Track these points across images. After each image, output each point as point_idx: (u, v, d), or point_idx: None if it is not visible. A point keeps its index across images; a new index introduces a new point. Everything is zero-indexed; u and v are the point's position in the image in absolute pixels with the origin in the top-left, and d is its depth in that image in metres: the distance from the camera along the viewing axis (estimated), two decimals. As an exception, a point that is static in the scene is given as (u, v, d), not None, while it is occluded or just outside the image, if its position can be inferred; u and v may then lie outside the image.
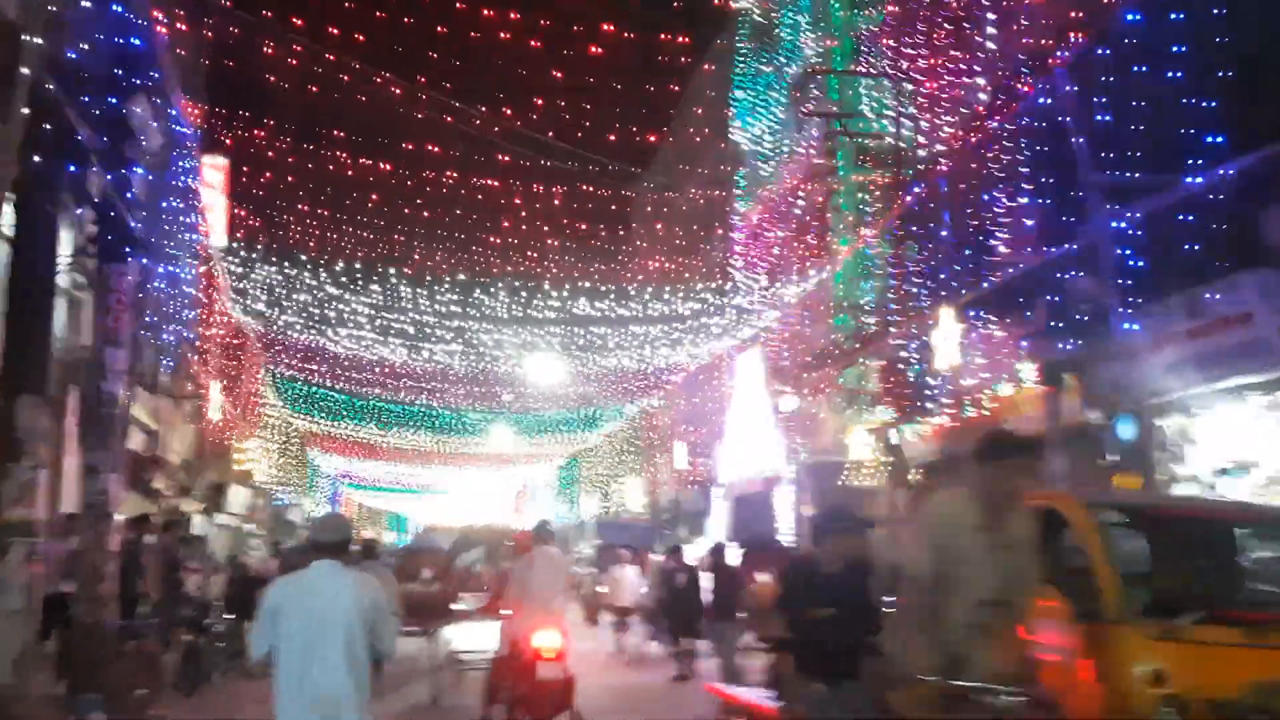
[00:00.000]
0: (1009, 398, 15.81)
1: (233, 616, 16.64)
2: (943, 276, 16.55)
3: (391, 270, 20.05)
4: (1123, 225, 12.47)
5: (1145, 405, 13.60)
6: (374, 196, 18.92)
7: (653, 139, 24.59)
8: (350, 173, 18.10)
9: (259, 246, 19.30)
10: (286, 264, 18.95)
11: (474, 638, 16.82)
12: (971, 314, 15.56)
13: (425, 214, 20.68)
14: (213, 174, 23.54)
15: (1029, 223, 14.32)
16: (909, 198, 18.47)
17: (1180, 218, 11.74)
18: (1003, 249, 14.99)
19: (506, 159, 19.84)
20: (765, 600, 19.00)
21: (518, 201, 20.54)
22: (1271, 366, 11.55)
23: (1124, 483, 13.22)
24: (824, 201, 27.93)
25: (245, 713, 12.11)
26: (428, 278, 20.48)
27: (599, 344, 25.53)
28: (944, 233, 16.72)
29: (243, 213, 22.68)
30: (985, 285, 14.91)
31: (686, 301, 23.62)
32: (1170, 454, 13.74)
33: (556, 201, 20.74)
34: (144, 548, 16.14)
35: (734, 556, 22.39)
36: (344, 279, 19.79)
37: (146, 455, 19.92)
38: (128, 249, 12.01)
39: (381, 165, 18.11)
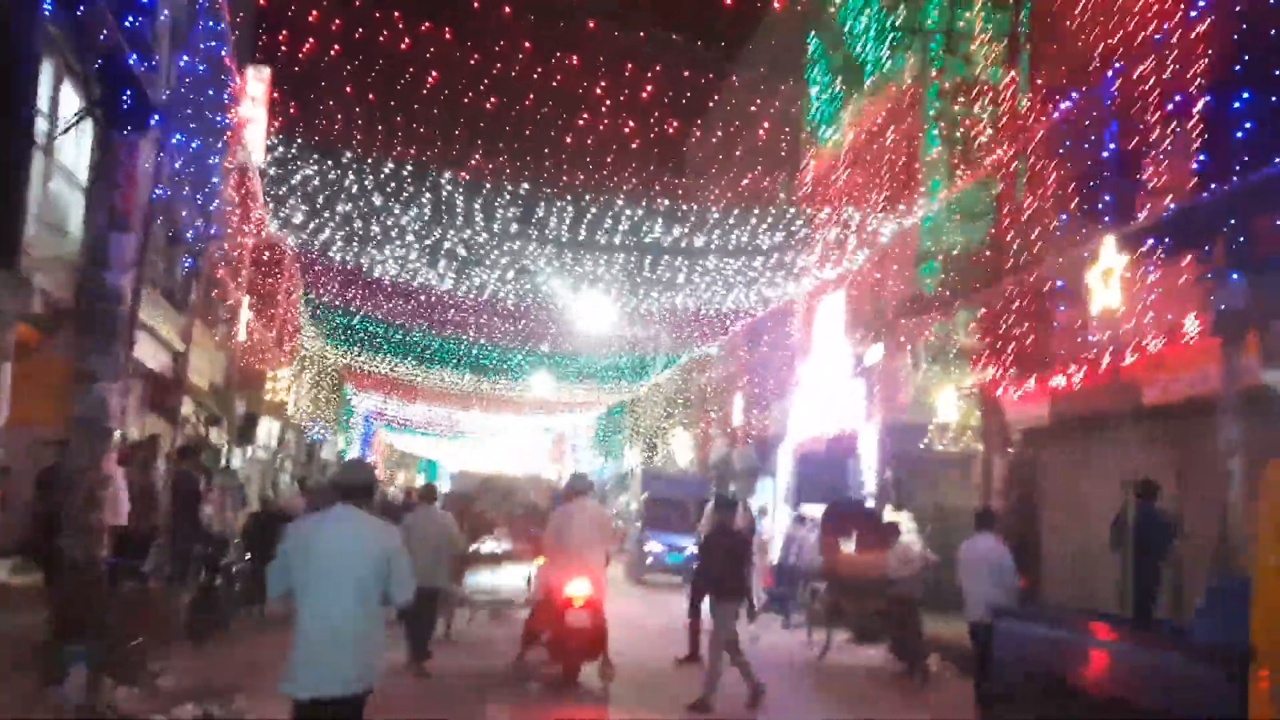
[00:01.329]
0: (1161, 353, 13.41)
1: (250, 556, 14.95)
2: (1103, 203, 13.99)
3: (446, 176, 17.66)
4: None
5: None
6: (432, 76, 16.46)
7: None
8: (405, 44, 15.70)
9: (297, 140, 16.97)
10: (328, 164, 16.66)
11: (493, 579, 18.16)
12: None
13: (489, 101, 18.13)
14: (256, 85, 21.44)
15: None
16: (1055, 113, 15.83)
17: None
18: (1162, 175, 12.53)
19: (590, 27, 17.21)
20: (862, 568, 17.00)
21: (597, 90, 17.89)
22: None
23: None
24: (915, 135, 25.53)
25: (260, 667, 10.38)
26: (486, 186, 18.04)
27: (664, 278, 23.20)
28: (1103, 150, 14.12)
29: (278, 96, 20.40)
30: (1162, 211, 12.36)
31: (762, 234, 21.08)
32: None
33: (644, 90, 18.12)
34: (156, 475, 14.40)
35: (810, 519, 20.54)
36: (390, 185, 17.46)
37: (170, 378, 18.16)
38: (147, 114, 9.88)
39: (442, 34, 15.62)
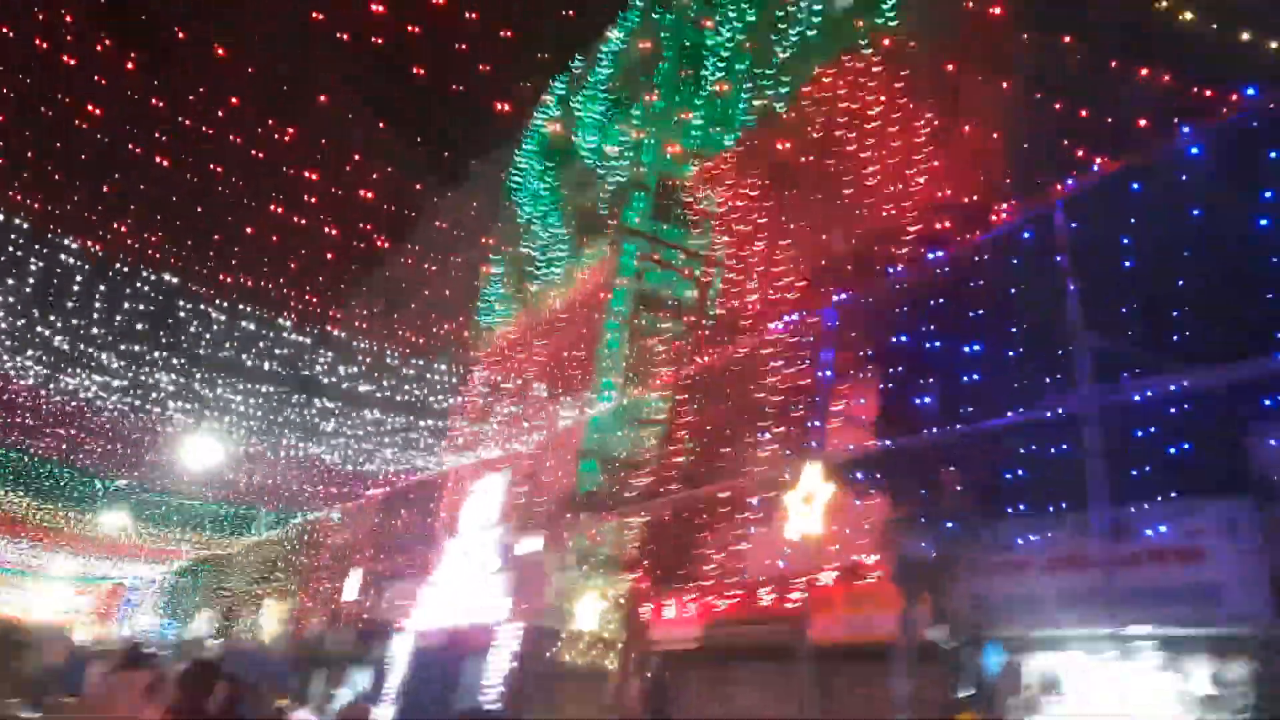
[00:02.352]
0: (840, 587, 13.07)
1: None
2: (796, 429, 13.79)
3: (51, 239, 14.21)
4: (1057, 412, 10.42)
5: (1013, 635, 11.32)
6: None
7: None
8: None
9: None
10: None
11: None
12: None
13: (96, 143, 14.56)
14: None
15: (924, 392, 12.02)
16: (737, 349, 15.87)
17: (1143, 422, 9.86)
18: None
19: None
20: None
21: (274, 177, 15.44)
22: (1207, 618, 9.61)
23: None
24: (596, 331, 25.43)
25: None
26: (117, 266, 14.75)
27: (308, 420, 20.40)
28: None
29: None
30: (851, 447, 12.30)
31: (431, 394, 19.27)
32: (1025, 700, 11.47)
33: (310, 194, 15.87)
34: None
35: None
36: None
37: None
38: None
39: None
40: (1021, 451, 9.57)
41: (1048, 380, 9.41)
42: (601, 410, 23.00)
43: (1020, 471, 9.60)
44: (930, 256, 11.01)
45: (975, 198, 10.33)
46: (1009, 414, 9.65)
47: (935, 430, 10.58)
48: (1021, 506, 9.75)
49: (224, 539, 37.66)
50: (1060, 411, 9.30)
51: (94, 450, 25.67)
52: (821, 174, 15.70)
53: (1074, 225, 9.24)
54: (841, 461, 11.88)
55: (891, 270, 11.69)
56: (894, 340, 11.72)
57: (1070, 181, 9.32)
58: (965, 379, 10.28)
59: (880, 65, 14.24)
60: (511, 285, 28.84)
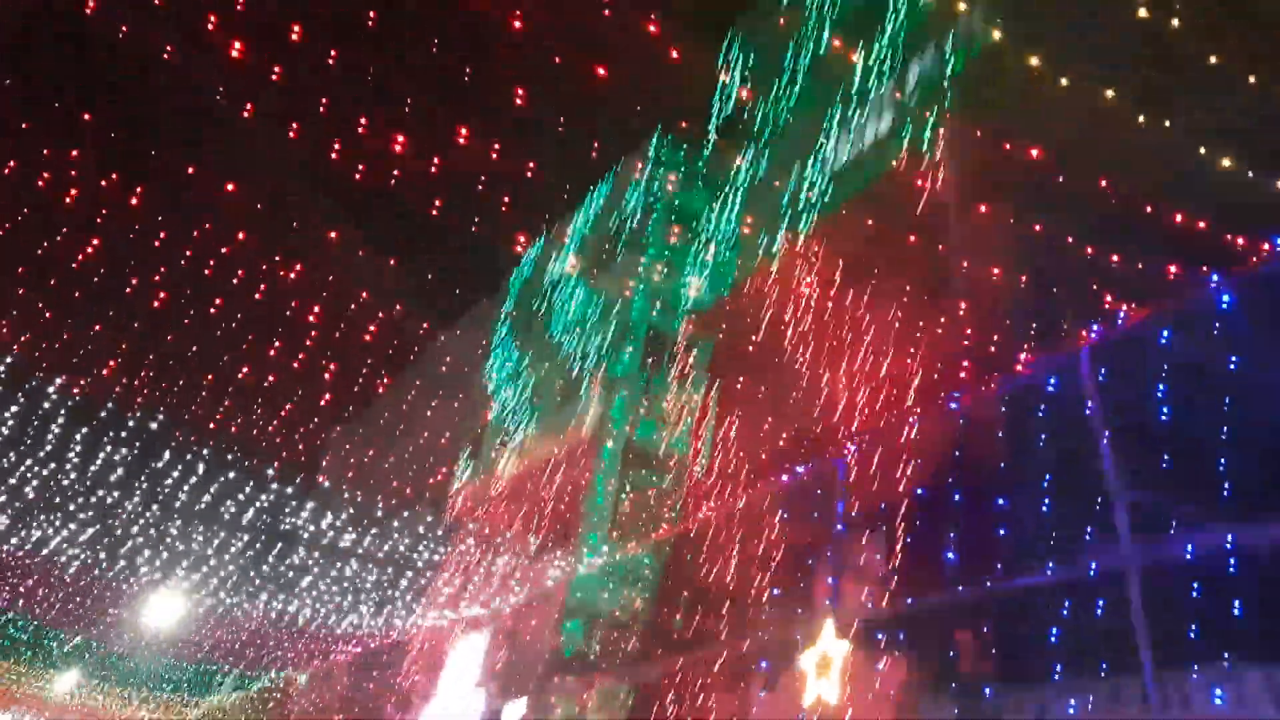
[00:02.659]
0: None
1: None
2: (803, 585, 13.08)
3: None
4: (1094, 569, 9.89)
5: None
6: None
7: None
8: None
9: None
10: None
11: None
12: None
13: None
14: None
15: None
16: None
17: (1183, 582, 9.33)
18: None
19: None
20: None
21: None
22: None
23: None
24: (583, 484, 24.81)
25: None
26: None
27: (284, 575, 19.42)
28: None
29: None
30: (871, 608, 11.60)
31: (412, 547, 18.44)
32: None
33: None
34: None
35: None
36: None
37: None
38: None
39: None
40: (1055, 612, 8.99)
41: (1083, 536, 8.94)
42: (590, 566, 22.17)
43: (1054, 633, 8.98)
44: (950, 405, 10.69)
45: (997, 346, 10.10)
46: (1041, 571, 9.11)
47: (961, 588, 9.99)
48: (1056, 671, 9.08)
49: (183, 702, 35.52)
50: (1096, 569, 8.78)
51: (52, 605, 24.34)
52: (823, 324, 15.56)
53: (1103, 373, 8.98)
54: (859, 620, 11.18)
55: (910, 419, 11.34)
56: (914, 492, 11.24)
57: (1097, 328, 9.12)
58: (991, 533, 9.77)
59: (882, 214, 14.30)
60: (499, 435, 28.34)
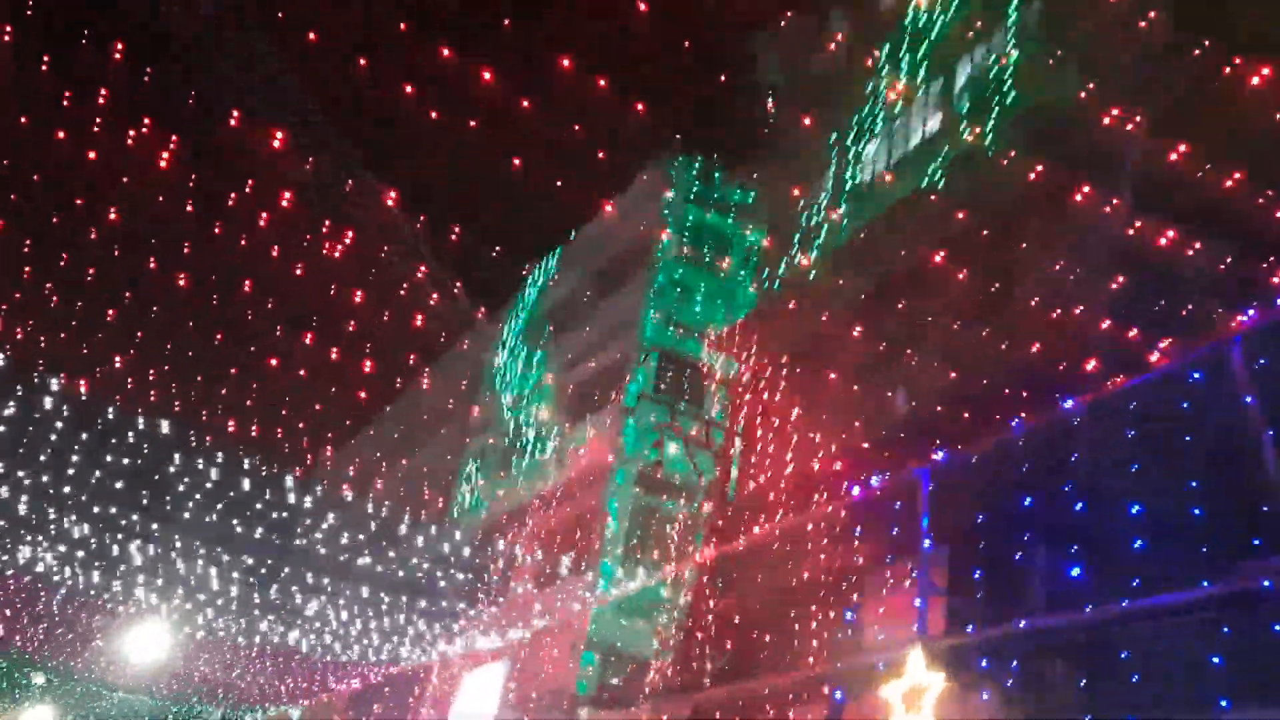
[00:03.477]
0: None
1: None
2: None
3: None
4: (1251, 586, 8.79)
5: None
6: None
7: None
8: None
9: None
10: None
11: None
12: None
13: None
14: None
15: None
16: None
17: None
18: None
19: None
20: None
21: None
22: None
23: None
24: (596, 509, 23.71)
25: None
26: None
27: (286, 602, 18.09)
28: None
29: None
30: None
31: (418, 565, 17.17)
32: None
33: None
34: None
35: None
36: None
37: None
38: None
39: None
40: (1215, 632, 7.93)
41: (1246, 543, 7.92)
42: (616, 593, 21.04)
43: (1217, 659, 7.91)
44: (1065, 404, 9.69)
45: (1134, 334, 9.13)
46: (1195, 586, 8.06)
47: (1090, 608, 8.92)
48: (1219, 703, 7.99)
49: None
50: (1272, 584, 7.75)
51: (35, 634, 22.76)
52: (888, 329, 14.60)
53: (1262, 363, 8.03)
54: (952, 647, 10.07)
55: (1012, 421, 10.33)
56: (1021, 503, 10.20)
57: (1250, 314, 8.18)
58: (1125, 546, 8.73)
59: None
60: (520, 453, 27.24)
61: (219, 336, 13.92)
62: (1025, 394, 10.25)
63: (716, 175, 28.55)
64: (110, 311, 12.02)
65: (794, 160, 19.73)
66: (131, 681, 28.01)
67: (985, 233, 12.55)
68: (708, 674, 16.47)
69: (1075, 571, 9.08)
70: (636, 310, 25.85)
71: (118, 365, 12.16)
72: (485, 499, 27.57)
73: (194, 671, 26.22)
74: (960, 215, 13.02)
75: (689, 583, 18.81)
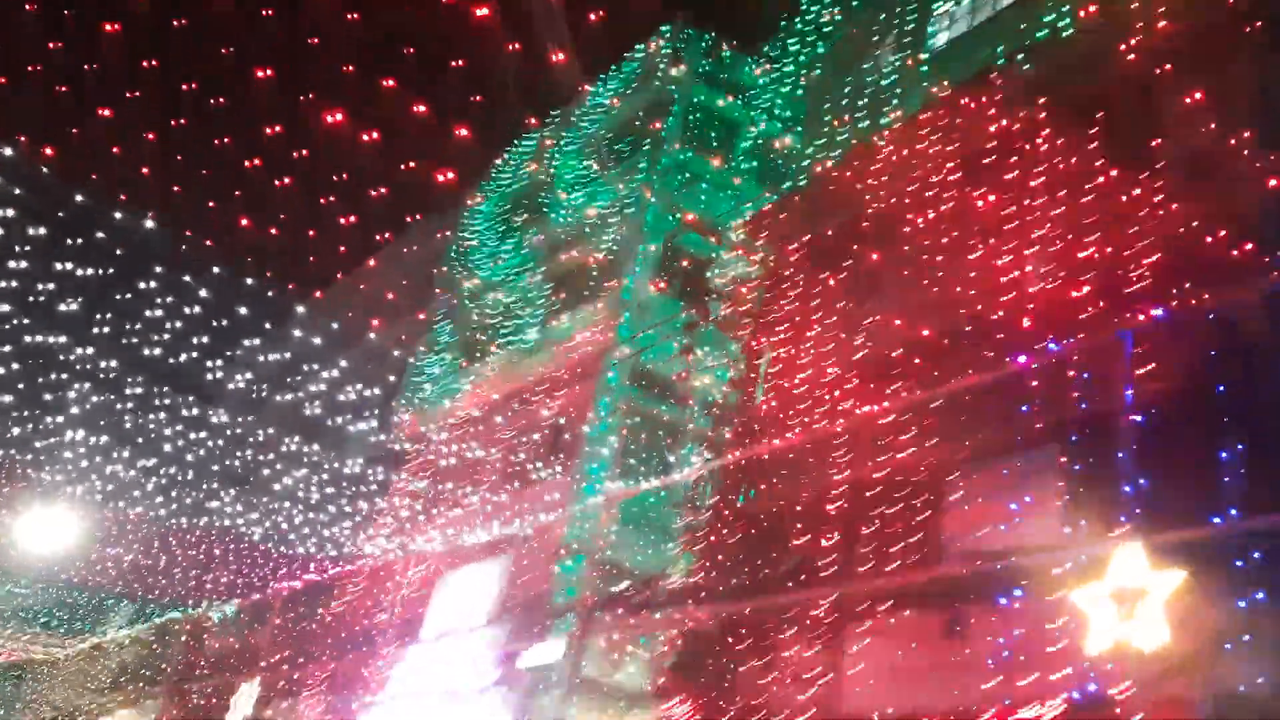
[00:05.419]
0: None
1: None
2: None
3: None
4: None
5: None
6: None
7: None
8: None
9: None
10: None
11: None
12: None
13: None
14: None
15: None
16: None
17: None
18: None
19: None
20: None
21: None
22: None
23: None
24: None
25: None
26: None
27: (227, 464, 15.29)
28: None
29: None
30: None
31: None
32: None
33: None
34: None
35: None
36: None
37: None
38: None
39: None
40: None
41: None
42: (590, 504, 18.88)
43: None
44: None
45: None
46: None
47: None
48: None
49: (61, 637, 30.11)
50: None
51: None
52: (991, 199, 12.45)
53: None
54: (1191, 543, 8.05)
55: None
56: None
57: None
58: None
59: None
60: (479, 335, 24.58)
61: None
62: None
63: (726, 56, 26.03)
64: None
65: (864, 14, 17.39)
66: (28, 570, 24.72)
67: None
68: (731, 584, 14.30)
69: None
70: (637, 193, 23.31)
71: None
72: (444, 391, 24.94)
73: (106, 561, 23.09)
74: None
75: (714, 486, 16.62)
